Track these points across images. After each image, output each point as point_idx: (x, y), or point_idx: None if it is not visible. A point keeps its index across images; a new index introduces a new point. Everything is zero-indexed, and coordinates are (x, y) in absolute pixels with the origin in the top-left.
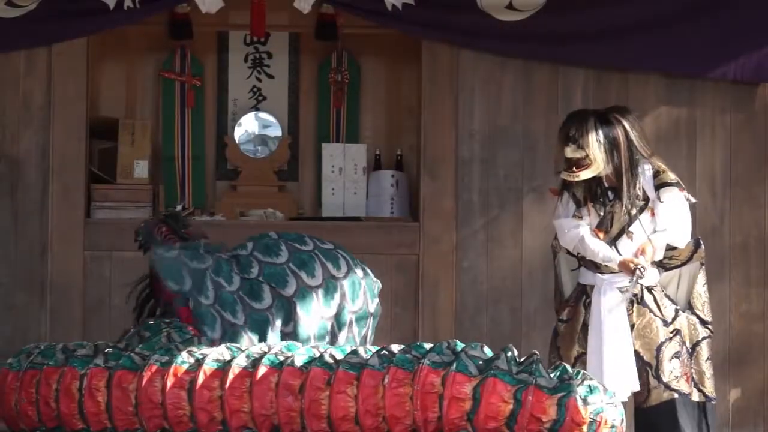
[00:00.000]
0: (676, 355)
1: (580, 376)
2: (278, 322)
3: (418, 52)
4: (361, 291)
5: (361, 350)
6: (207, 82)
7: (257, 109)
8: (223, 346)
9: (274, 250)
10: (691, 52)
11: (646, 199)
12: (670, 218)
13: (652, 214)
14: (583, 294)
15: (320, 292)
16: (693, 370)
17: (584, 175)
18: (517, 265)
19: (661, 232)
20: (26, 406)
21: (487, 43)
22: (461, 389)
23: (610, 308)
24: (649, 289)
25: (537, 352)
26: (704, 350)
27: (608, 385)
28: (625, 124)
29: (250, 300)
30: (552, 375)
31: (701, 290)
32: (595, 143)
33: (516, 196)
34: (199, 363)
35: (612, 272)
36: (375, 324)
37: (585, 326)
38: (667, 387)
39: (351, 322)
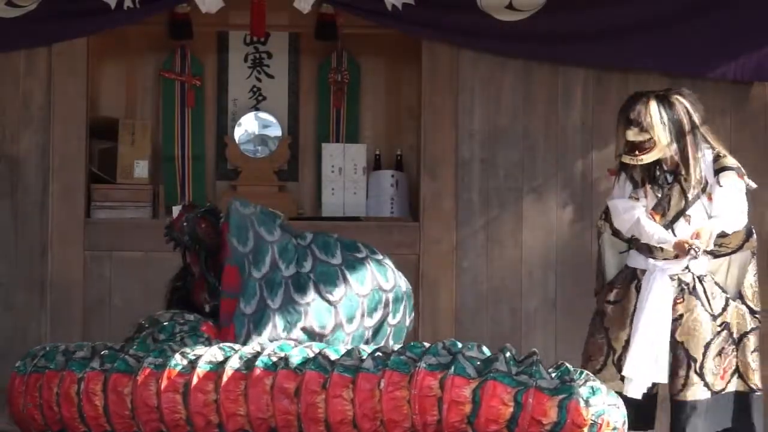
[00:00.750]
0: (720, 353)
1: (582, 376)
2: (313, 322)
3: (418, 52)
4: (402, 305)
5: (355, 351)
6: (207, 82)
7: (257, 109)
8: (215, 346)
9: (332, 249)
10: (691, 51)
11: (705, 183)
12: (725, 204)
13: (710, 199)
14: (634, 278)
15: (366, 301)
16: (738, 362)
17: (647, 158)
18: (517, 265)
19: (717, 218)
20: (32, 410)
21: (487, 43)
22: (460, 392)
23: (657, 296)
24: (700, 279)
25: (537, 352)
26: (751, 341)
27: (629, 373)
28: (688, 106)
29: (294, 291)
30: (553, 375)
31: (752, 280)
32: (659, 126)
33: (516, 196)
34: (192, 365)
35: (665, 258)
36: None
37: (636, 310)
38: (707, 386)
39: (389, 336)
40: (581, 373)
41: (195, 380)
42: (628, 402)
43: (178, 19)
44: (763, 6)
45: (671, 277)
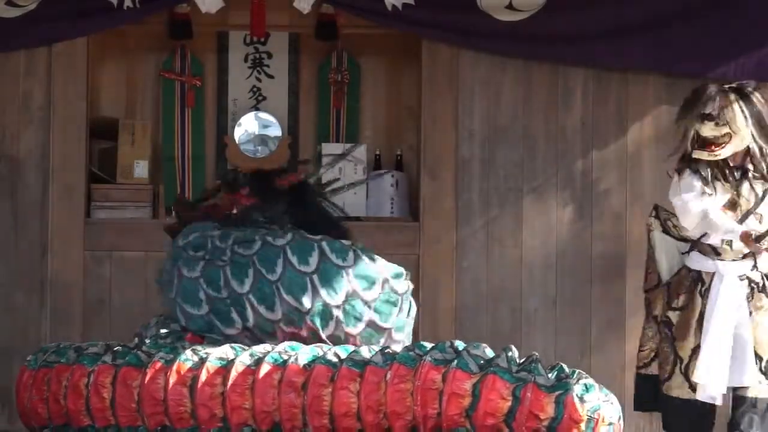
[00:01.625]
0: None
1: (576, 375)
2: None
3: (418, 52)
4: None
5: (364, 350)
6: (207, 82)
7: (257, 109)
8: (227, 345)
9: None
10: (691, 51)
11: None
12: None
13: None
14: (699, 281)
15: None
16: None
17: (724, 153)
18: (517, 264)
19: None
20: (36, 403)
21: (487, 43)
22: (461, 385)
23: (727, 298)
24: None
25: (536, 353)
26: None
27: (702, 378)
28: (761, 98)
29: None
30: (550, 374)
31: None
32: (741, 119)
33: (516, 196)
34: (202, 361)
35: (733, 259)
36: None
37: (701, 317)
38: None
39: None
40: (574, 372)
41: (204, 374)
42: (689, 407)
43: (178, 19)
44: (764, 5)
45: (740, 278)
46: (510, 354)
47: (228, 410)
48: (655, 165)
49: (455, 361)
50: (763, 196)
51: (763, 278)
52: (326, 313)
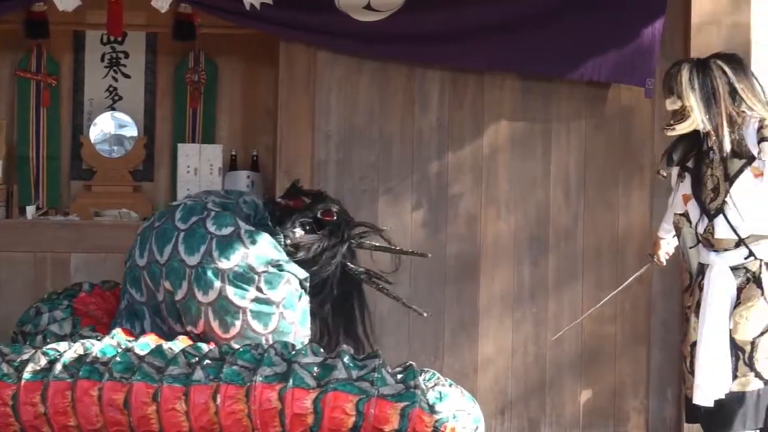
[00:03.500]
0: None
1: (432, 380)
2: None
3: (276, 53)
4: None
5: (181, 357)
6: (63, 82)
7: (113, 109)
8: (39, 351)
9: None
10: (548, 53)
11: (750, 157)
12: None
13: (756, 175)
14: (701, 274)
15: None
16: None
17: (681, 128)
18: (371, 265)
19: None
20: None
21: (345, 44)
22: (301, 405)
23: (719, 292)
24: (766, 266)
25: (379, 355)
26: None
27: (699, 379)
28: (728, 71)
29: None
30: (399, 376)
31: None
32: (689, 92)
33: (371, 197)
34: (18, 374)
35: (726, 249)
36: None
37: (698, 308)
38: (758, 375)
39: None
40: (432, 375)
41: (21, 393)
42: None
43: (35, 18)
44: (620, 8)
45: (735, 267)
46: (347, 359)
47: (56, 429)
48: (510, 167)
49: (290, 379)
50: (736, 176)
51: (761, 267)
52: (180, 272)
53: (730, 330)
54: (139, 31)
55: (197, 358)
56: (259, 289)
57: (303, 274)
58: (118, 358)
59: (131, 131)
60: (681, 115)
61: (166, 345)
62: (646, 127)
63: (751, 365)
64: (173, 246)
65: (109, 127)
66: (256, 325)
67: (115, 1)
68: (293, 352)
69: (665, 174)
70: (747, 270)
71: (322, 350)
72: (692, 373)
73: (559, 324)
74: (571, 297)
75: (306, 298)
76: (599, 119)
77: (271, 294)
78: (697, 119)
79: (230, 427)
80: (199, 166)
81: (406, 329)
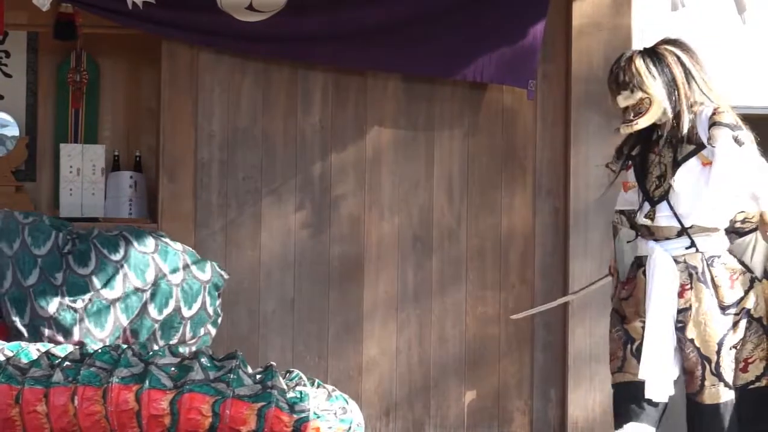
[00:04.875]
0: (736, 346)
1: (295, 380)
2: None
3: (159, 53)
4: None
5: (44, 359)
6: None
7: None
8: None
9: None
10: (430, 53)
11: (700, 145)
12: (720, 171)
13: (705, 164)
14: (641, 265)
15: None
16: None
17: (644, 121)
18: (256, 267)
19: (715, 190)
20: None
21: (227, 44)
22: (158, 406)
23: (660, 281)
24: (712, 261)
25: (237, 356)
26: None
27: (644, 374)
28: (682, 56)
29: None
30: (258, 377)
31: None
32: (650, 81)
33: (255, 198)
34: None
35: (667, 237)
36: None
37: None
38: (728, 385)
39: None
40: (296, 375)
41: None
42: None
43: None
44: (502, 10)
45: (676, 260)
46: (204, 360)
47: None
48: (393, 169)
49: (147, 381)
50: (683, 160)
51: (703, 263)
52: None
53: (693, 340)
54: (20, 30)
55: (59, 359)
56: None
57: None
58: None
59: (13, 131)
60: (639, 108)
61: (35, 346)
62: (528, 129)
63: (718, 375)
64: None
65: None
66: None
67: None
68: (151, 353)
69: (615, 168)
70: (688, 265)
71: (181, 351)
72: (637, 358)
73: (444, 325)
74: (455, 298)
75: None
76: (482, 121)
77: None
78: (661, 108)
79: (89, 429)
80: (81, 166)
81: (290, 330)
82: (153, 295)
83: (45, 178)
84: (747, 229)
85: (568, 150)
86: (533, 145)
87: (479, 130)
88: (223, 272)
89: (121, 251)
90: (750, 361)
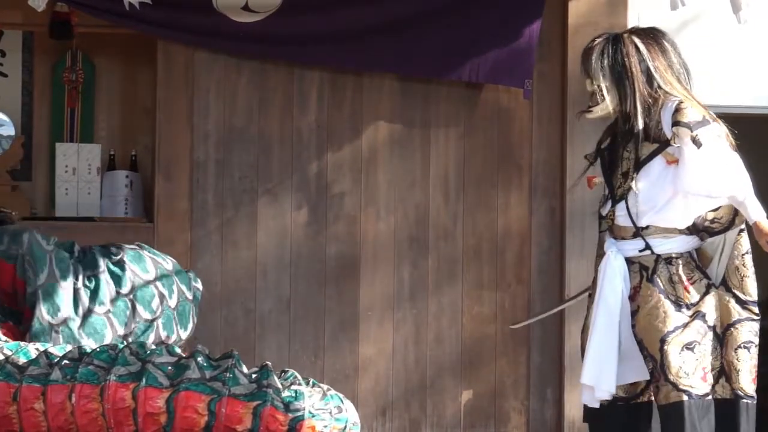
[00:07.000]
0: (689, 347)
1: (290, 379)
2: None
3: (154, 53)
4: (174, 286)
5: (43, 358)
6: None
7: None
8: None
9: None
10: (426, 54)
11: (664, 142)
12: (679, 174)
13: (670, 162)
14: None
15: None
16: (723, 361)
17: (597, 110)
18: (252, 266)
19: (676, 192)
20: None
21: (223, 44)
22: (154, 404)
23: (610, 282)
24: (668, 261)
25: (233, 355)
26: (738, 337)
27: (584, 378)
28: (642, 47)
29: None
30: (254, 376)
31: (738, 262)
32: (598, 72)
33: (251, 197)
34: None
35: (623, 237)
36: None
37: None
38: (675, 386)
39: (175, 318)
40: (291, 375)
41: None
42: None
43: None
44: (498, 10)
45: (631, 260)
46: (200, 359)
47: None
48: (389, 168)
49: (143, 378)
50: (646, 160)
51: (656, 263)
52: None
53: (642, 341)
54: (16, 29)
55: (58, 358)
56: None
57: None
58: None
59: (8, 130)
60: (597, 97)
61: (33, 345)
62: (524, 129)
63: (665, 374)
64: None
65: None
66: None
67: None
68: (148, 352)
69: (591, 160)
70: (641, 266)
71: (178, 350)
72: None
73: (440, 325)
74: (451, 297)
75: None
76: (478, 120)
77: None
78: (608, 101)
79: (86, 426)
80: (77, 165)
81: (286, 330)
82: (164, 324)
83: (41, 177)
84: (717, 229)
85: (564, 149)
86: (529, 144)
87: (475, 129)
88: (197, 284)
89: (128, 284)
90: (706, 370)
